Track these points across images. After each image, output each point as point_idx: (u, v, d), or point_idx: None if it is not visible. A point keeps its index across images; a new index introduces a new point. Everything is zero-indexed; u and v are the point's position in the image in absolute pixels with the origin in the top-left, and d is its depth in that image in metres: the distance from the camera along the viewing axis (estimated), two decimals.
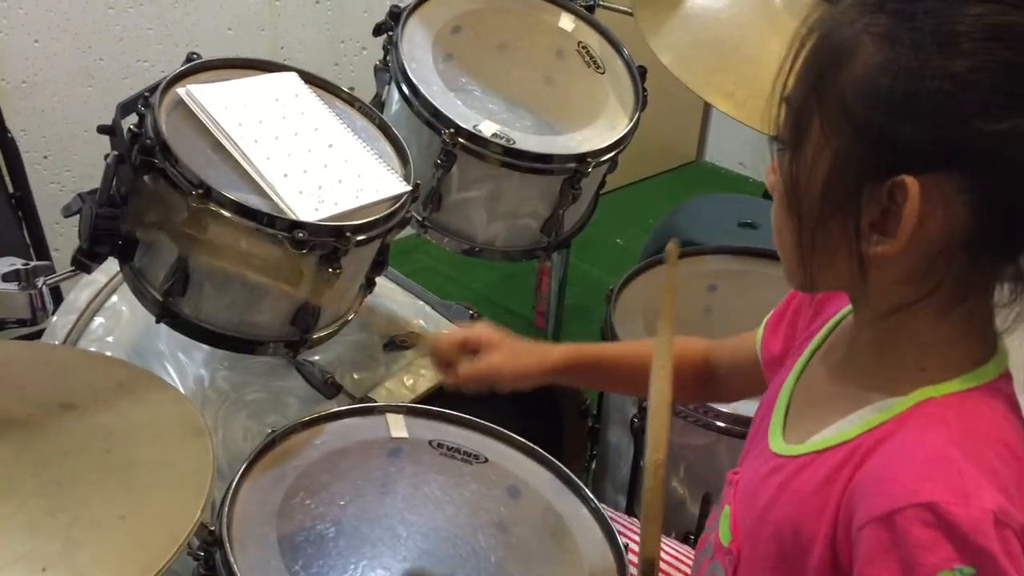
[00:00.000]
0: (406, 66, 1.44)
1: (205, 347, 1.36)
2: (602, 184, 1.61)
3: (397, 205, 1.24)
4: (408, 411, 1.22)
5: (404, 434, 1.19)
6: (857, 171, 0.68)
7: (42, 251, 1.85)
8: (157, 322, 1.22)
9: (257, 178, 1.19)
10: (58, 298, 1.61)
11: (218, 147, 1.20)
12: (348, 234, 1.17)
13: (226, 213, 1.13)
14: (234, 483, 1.05)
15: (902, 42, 0.65)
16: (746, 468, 0.87)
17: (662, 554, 1.15)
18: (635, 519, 1.26)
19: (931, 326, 0.72)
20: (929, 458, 0.67)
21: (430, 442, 1.18)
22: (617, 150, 1.50)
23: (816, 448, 0.76)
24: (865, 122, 0.67)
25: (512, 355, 1.06)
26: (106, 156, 1.17)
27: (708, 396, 1.14)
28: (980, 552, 0.63)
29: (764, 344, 0.97)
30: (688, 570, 1.15)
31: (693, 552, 1.19)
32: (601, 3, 1.74)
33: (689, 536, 1.43)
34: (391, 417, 1.20)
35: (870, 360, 0.77)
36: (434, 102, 1.41)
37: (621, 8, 1.71)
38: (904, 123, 0.65)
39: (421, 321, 1.50)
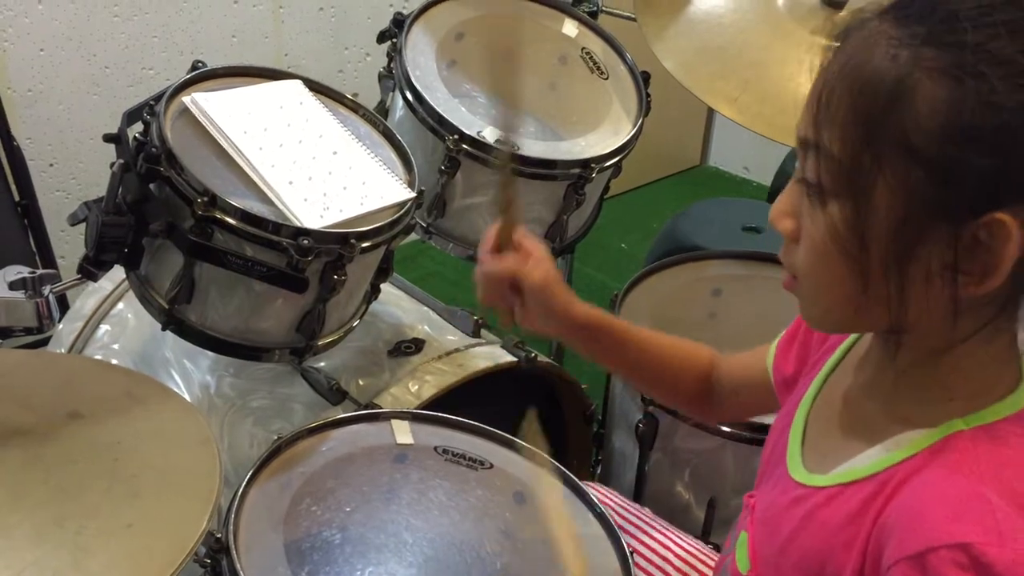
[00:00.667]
0: (410, 73, 1.44)
1: (211, 354, 1.37)
2: (606, 189, 1.61)
3: (402, 212, 1.24)
4: (413, 417, 1.22)
5: (410, 440, 1.19)
6: (935, 213, 0.65)
7: (48, 259, 1.86)
8: (163, 329, 1.22)
9: (262, 185, 1.19)
10: (64, 305, 1.61)
11: (223, 155, 1.21)
12: (353, 241, 1.17)
13: (231, 220, 1.13)
14: (240, 490, 1.05)
15: (962, 76, 0.63)
16: (764, 494, 0.85)
17: (676, 552, 1.16)
18: (642, 507, 1.25)
19: (978, 356, 0.70)
20: (962, 496, 0.66)
21: (435, 448, 1.19)
22: (621, 155, 1.50)
23: (843, 480, 0.74)
24: (936, 161, 0.64)
25: (550, 284, 1.00)
26: (112, 164, 1.17)
27: (704, 409, 1.10)
28: None
29: (776, 365, 0.95)
30: (704, 568, 1.15)
31: (705, 548, 1.19)
32: (604, 9, 1.74)
33: None
34: (396, 423, 1.20)
35: (897, 387, 0.75)
36: (438, 108, 1.41)
37: (624, 14, 1.72)
38: (979, 158, 0.63)
39: (426, 327, 1.50)
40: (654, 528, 1.20)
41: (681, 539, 1.19)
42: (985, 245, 0.65)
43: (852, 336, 0.84)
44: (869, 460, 0.73)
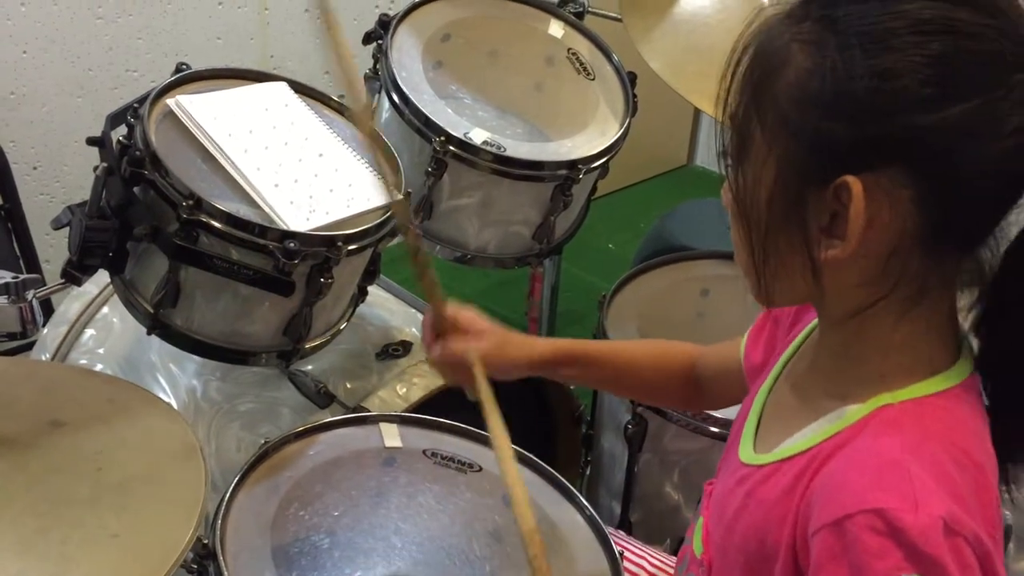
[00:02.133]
0: (396, 74, 1.43)
1: (197, 358, 1.36)
2: (593, 190, 1.61)
3: (388, 214, 1.24)
4: (402, 420, 1.22)
5: (398, 443, 1.19)
6: (800, 177, 0.69)
7: (32, 263, 1.85)
8: (149, 334, 1.21)
9: (248, 188, 1.18)
10: (48, 310, 1.60)
11: (208, 158, 1.20)
12: (340, 244, 1.16)
13: (217, 224, 1.12)
14: (227, 495, 1.05)
15: (828, 45, 0.66)
16: (719, 480, 0.87)
17: (650, 564, 1.16)
18: (622, 533, 1.26)
19: (889, 329, 0.72)
20: (881, 464, 0.67)
21: (424, 451, 1.18)
22: (608, 156, 1.49)
23: (780, 457, 0.76)
24: (801, 127, 0.68)
25: (499, 344, 1.04)
26: (95, 168, 1.16)
27: (694, 403, 1.14)
28: (929, 560, 0.63)
29: (747, 353, 0.97)
30: None
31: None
32: (591, 10, 1.74)
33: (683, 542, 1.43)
34: (385, 426, 1.20)
35: (832, 367, 0.77)
36: (424, 110, 1.41)
37: (610, 15, 1.71)
38: (838, 124, 0.66)
39: (414, 329, 1.49)
40: (633, 543, 1.21)
41: (660, 555, 1.20)
42: (841, 209, 0.67)
43: (810, 325, 0.85)
44: (804, 437, 0.75)
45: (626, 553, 1.13)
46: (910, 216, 0.67)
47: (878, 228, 0.67)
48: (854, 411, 0.72)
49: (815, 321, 0.83)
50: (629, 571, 1.14)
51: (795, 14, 0.69)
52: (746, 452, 0.82)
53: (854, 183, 0.66)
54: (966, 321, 0.74)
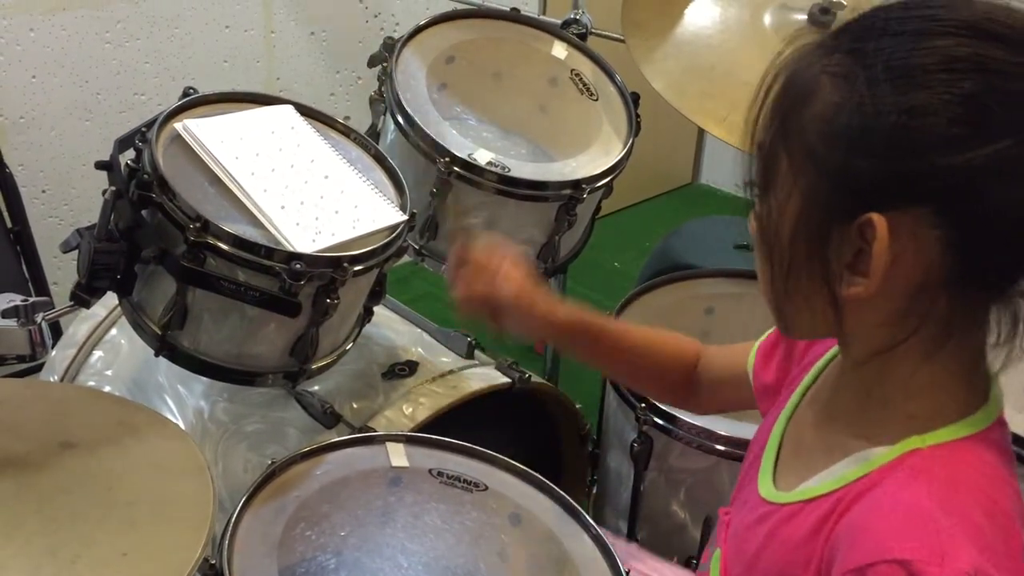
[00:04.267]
0: (401, 96, 1.45)
1: (204, 379, 1.37)
2: (598, 209, 1.62)
3: (394, 235, 1.25)
4: (408, 440, 1.22)
5: (404, 463, 1.19)
6: (824, 212, 0.67)
7: (41, 286, 1.86)
8: (156, 355, 1.22)
9: (254, 210, 1.19)
10: (57, 332, 1.61)
11: (215, 180, 1.21)
12: (346, 265, 1.17)
13: (224, 246, 1.13)
14: (235, 515, 1.05)
15: (857, 79, 0.65)
16: (736, 511, 0.86)
17: None
18: (635, 542, 1.26)
19: (914, 370, 0.70)
20: (908, 513, 0.65)
21: (430, 471, 1.18)
22: (612, 176, 1.50)
23: (804, 497, 0.74)
24: (827, 161, 0.66)
25: (527, 294, 1.01)
26: (104, 191, 1.17)
27: (688, 401, 1.11)
28: None
29: (756, 371, 0.96)
30: None
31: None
32: (593, 31, 1.75)
33: (692, 560, 1.43)
34: (391, 446, 1.20)
35: (854, 407, 0.75)
36: (429, 131, 1.42)
37: (613, 36, 1.73)
38: (864, 160, 0.65)
39: (419, 349, 1.50)
40: (646, 556, 1.20)
41: (673, 569, 1.19)
42: (866, 247, 0.66)
43: (827, 355, 0.84)
44: (829, 478, 0.73)
45: (634, 571, 1.13)
46: (936, 257, 0.65)
47: (902, 268, 0.65)
48: (881, 454, 0.70)
49: (833, 350, 0.82)
50: None
51: (826, 44, 0.68)
52: (766, 488, 0.80)
53: (879, 221, 0.64)
54: (996, 361, 0.71)
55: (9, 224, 1.83)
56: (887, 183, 0.65)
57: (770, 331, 0.97)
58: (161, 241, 1.15)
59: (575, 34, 1.68)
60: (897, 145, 0.64)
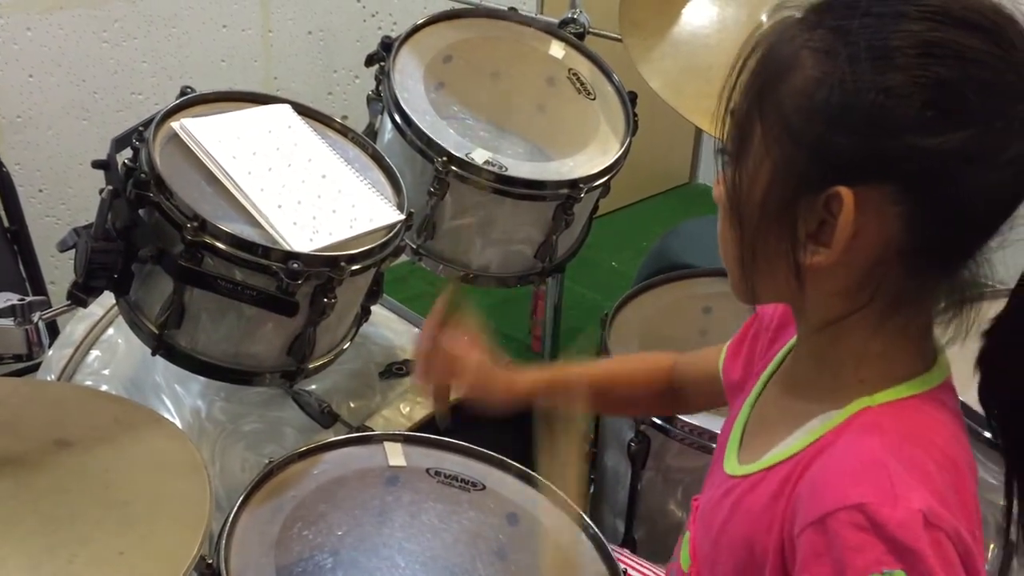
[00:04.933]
0: (398, 96, 1.45)
1: (201, 378, 1.37)
2: (595, 208, 1.62)
3: (391, 234, 1.25)
4: (406, 439, 1.22)
5: (402, 462, 1.19)
6: (795, 182, 0.69)
7: (38, 285, 1.85)
8: (153, 355, 1.22)
9: (251, 210, 1.19)
10: (54, 331, 1.61)
11: (212, 180, 1.21)
12: (343, 264, 1.17)
13: (221, 245, 1.13)
14: (232, 515, 1.05)
15: (838, 56, 0.67)
16: (704, 494, 0.88)
17: None
18: (626, 552, 1.26)
19: (867, 338, 0.73)
20: (861, 463, 0.68)
21: (428, 470, 1.18)
22: (609, 175, 1.50)
23: (765, 465, 0.77)
24: (802, 133, 0.68)
25: (481, 381, 1.06)
26: (101, 191, 1.17)
27: (673, 408, 1.16)
28: (910, 552, 0.64)
29: (725, 369, 0.98)
30: None
31: None
32: (591, 30, 1.75)
33: None
34: (389, 445, 1.20)
35: (811, 374, 0.78)
36: (426, 131, 1.42)
37: (611, 35, 1.73)
38: (839, 135, 0.67)
39: None
40: (638, 562, 1.21)
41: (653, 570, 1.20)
42: (830, 218, 0.68)
43: (790, 342, 0.86)
44: (788, 445, 0.76)
45: (629, 572, 1.13)
46: (896, 232, 0.68)
47: (863, 240, 0.68)
48: (835, 416, 0.73)
49: (794, 339, 0.84)
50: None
51: (809, 20, 0.70)
52: (731, 464, 0.83)
53: (846, 195, 0.67)
54: (943, 335, 0.74)
55: (6, 223, 1.83)
56: (859, 159, 0.67)
57: (736, 333, 0.99)
58: (158, 240, 1.15)
59: (573, 33, 1.68)
60: (873, 123, 0.66)
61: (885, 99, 0.65)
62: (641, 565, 1.20)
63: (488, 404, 1.07)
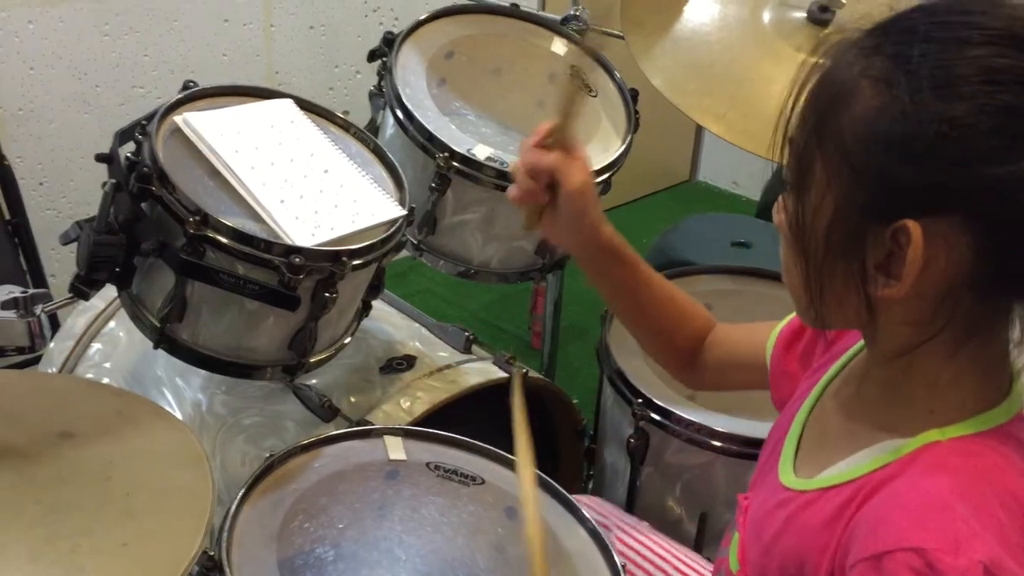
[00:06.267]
0: (400, 91, 1.45)
1: (203, 372, 1.37)
2: None
3: (393, 229, 1.25)
4: (406, 434, 1.22)
5: (402, 456, 1.19)
6: (859, 215, 0.68)
7: (39, 278, 1.86)
8: (155, 348, 1.22)
9: (254, 204, 1.20)
10: (55, 324, 1.62)
11: (215, 174, 1.21)
12: (344, 259, 1.17)
13: (223, 239, 1.13)
14: (233, 508, 1.06)
15: (899, 85, 0.65)
16: (755, 497, 0.87)
17: (672, 563, 1.17)
18: (640, 520, 1.26)
19: (939, 367, 0.72)
20: (927, 503, 0.67)
21: (428, 464, 1.19)
22: (610, 172, 1.51)
23: (824, 485, 0.75)
24: (865, 166, 0.67)
25: (587, 193, 0.98)
26: (103, 184, 1.17)
27: (687, 372, 1.09)
28: None
29: (776, 356, 0.96)
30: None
31: (700, 559, 1.19)
32: (593, 27, 1.75)
33: None
34: (389, 440, 1.21)
35: (880, 399, 0.76)
36: (428, 127, 1.42)
37: (612, 32, 1.73)
38: (903, 166, 0.66)
39: (417, 344, 1.50)
40: (650, 539, 1.21)
41: (677, 550, 1.20)
42: (898, 250, 0.67)
43: (852, 348, 0.85)
44: (849, 467, 0.74)
45: (628, 565, 1.14)
46: (966, 262, 0.66)
47: (933, 271, 0.67)
48: (902, 445, 0.72)
49: (858, 344, 0.83)
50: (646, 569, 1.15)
51: (866, 46, 0.68)
52: (787, 475, 0.81)
53: (914, 228, 0.65)
54: (1020, 359, 0.73)
55: (7, 216, 1.83)
56: (924, 190, 0.65)
57: (790, 316, 0.97)
58: (160, 234, 1.15)
59: (574, 30, 1.68)
60: (937, 154, 0.64)
61: (950, 129, 0.64)
62: (649, 540, 1.19)
63: (571, 224, 0.99)
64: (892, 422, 0.74)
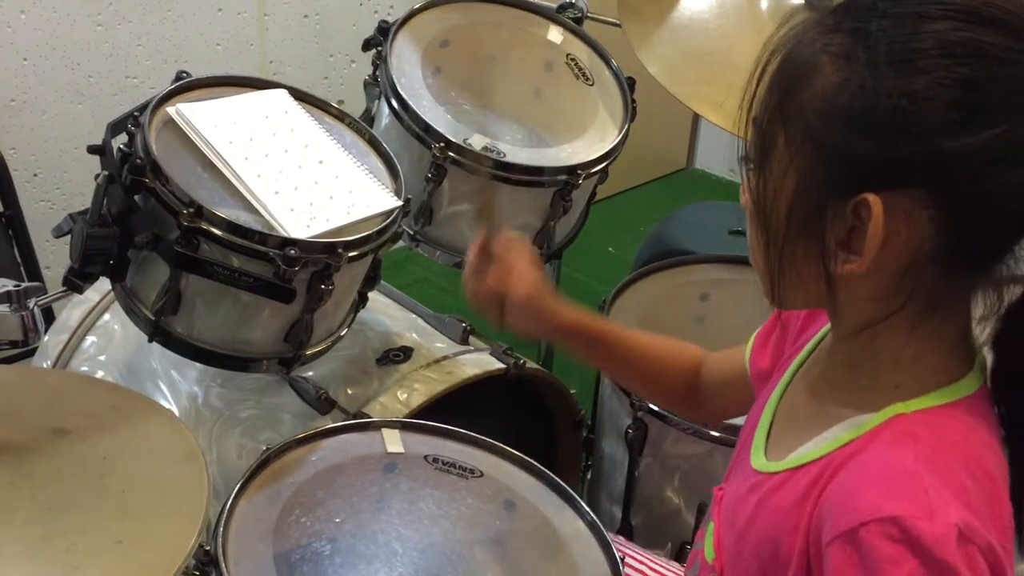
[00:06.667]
0: (395, 81, 1.44)
1: (198, 365, 1.36)
2: (593, 194, 1.62)
3: (388, 220, 1.24)
4: (403, 426, 1.22)
5: (399, 449, 1.19)
6: (820, 190, 0.68)
7: (33, 270, 1.85)
8: (150, 341, 1.21)
9: (248, 196, 1.19)
10: (49, 317, 1.61)
11: (208, 165, 1.21)
12: (340, 250, 1.17)
13: (217, 231, 1.13)
14: (229, 502, 1.05)
15: (858, 60, 0.66)
16: (729, 485, 0.87)
17: (650, 569, 1.17)
18: (621, 539, 1.26)
19: (902, 342, 0.72)
20: (895, 473, 0.67)
21: (426, 457, 1.18)
22: (607, 161, 1.50)
23: (792, 465, 0.76)
24: (826, 141, 0.67)
25: (537, 296, 1.03)
26: (96, 176, 1.17)
27: (694, 409, 1.12)
28: (944, 566, 0.63)
29: (753, 358, 0.97)
30: None
31: (683, 569, 1.19)
32: (589, 15, 1.74)
33: (686, 545, 1.43)
34: (386, 432, 1.20)
35: (844, 377, 0.77)
36: (424, 116, 1.41)
37: (609, 20, 1.72)
38: (863, 141, 0.66)
39: (414, 335, 1.50)
40: (634, 550, 1.21)
41: (654, 559, 1.20)
42: (859, 225, 0.67)
43: (821, 332, 0.85)
44: (816, 445, 0.75)
45: (627, 559, 1.13)
46: (927, 236, 0.66)
47: (894, 246, 0.67)
48: (867, 420, 0.72)
49: (825, 328, 0.83)
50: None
51: (827, 23, 0.69)
52: (758, 459, 0.82)
53: (874, 201, 0.65)
54: (981, 335, 0.73)
55: (1, 208, 1.82)
56: (885, 165, 0.66)
57: (765, 323, 0.98)
58: (154, 226, 1.14)
59: (571, 18, 1.67)
60: (896, 128, 0.65)
61: (908, 103, 0.64)
62: (637, 553, 1.20)
63: (531, 325, 1.04)
64: (857, 399, 0.74)
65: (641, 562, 1.18)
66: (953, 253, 0.67)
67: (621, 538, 1.27)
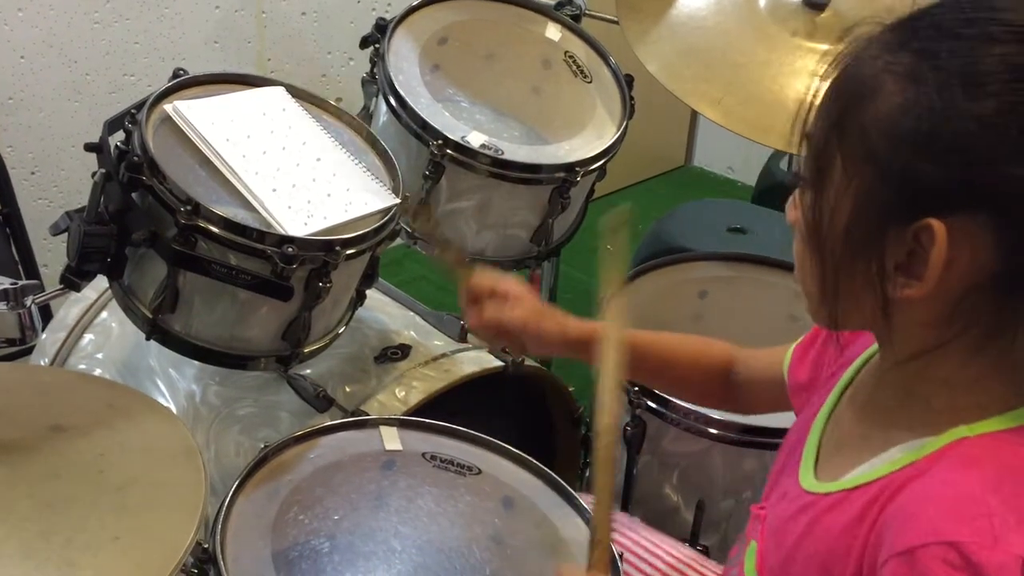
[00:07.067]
0: (393, 78, 1.44)
1: (196, 363, 1.36)
2: (591, 192, 1.61)
3: (387, 218, 1.24)
4: (401, 423, 1.22)
5: (398, 446, 1.19)
6: (881, 212, 0.67)
7: (30, 268, 1.84)
8: (147, 339, 1.21)
9: (246, 193, 1.19)
10: (47, 315, 1.61)
11: (206, 163, 1.20)
12: (338, 248, 1.17)
13: (215, 229, 1.12)
14: (227, 499, 1.05)
15: (925, 82, 0.64)
16: (773, 505, 0.86)
17: (664, 559, 1.16)
18: (632, 516, 1.26)
19: (958, 368, 0.70)
20: (958, 497, 0.65)
21: (424, 454, 1.18)
22: (605, 159, 1.50)
23: (848, 486, 0.74)
24: (888, 163, 0.66)
25: (536, 316, 1.05)
26: (94, 174, 1.16)
27: (731, 404, 1.12)
28: None
29: (791, 370, 0.96)
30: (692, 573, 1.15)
31: (693, 553, 1.19)
32: (587, 12, 1.74)
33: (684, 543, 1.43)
34: (384, 430, 1.20)
35: (896, 403, 0.75)
36: (422, 114, 1.41)
37: (607, 17, 1.72)
38: (929, 165, 0.64)
39: (412, 332, 1.50)
40: (643, 534, 1.21)
41: (670, 545, 1.20)
42: (920, 250, 0.66)
43: (866, 352, 0.84)
44: (873, 467, 0.73)
45: (626, 555, 1.13)
46: (990, 261, 0.65)
47: (955, 271, 0.65)
48: (928, 443, 0.70)
49: (871, 348, 0.82)
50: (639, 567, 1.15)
51: (890, 41, 0.67)
52: (807, 479, 0.80)
53: (938, 227, 0.64)
54: None
55: None
56: (950, 189, 0.64)
57: (806, 334, 0.96)
58: (152, 224, 1.14)
59: (569, 15, 1.67)
60: (965, 152, 0.63)
61: (977, 127, 0.62)
62: (638, 534, 1.19)
63: (539, 340, 1.06)
64: (914, 422, 0.72)
65: (641, 557, 1.17)
66: (1016, 279, 0.66)
67: (637, 518, 1.26)
